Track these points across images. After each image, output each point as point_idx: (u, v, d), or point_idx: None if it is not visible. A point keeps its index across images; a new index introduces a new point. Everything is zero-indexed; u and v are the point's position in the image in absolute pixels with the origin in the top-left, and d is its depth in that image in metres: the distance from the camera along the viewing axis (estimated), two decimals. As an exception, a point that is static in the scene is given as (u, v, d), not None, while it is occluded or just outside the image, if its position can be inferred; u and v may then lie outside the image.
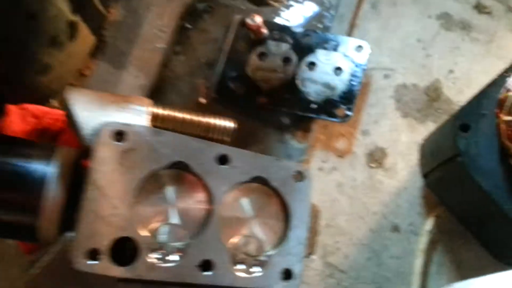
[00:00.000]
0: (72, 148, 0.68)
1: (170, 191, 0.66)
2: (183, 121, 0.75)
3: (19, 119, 0.77)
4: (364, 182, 1.03)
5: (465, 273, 0.99)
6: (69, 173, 0.64)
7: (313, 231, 0.74)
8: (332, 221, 1.01)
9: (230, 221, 0.69)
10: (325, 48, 1.04)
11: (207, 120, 0.77)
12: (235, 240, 0.68)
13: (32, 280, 0.65)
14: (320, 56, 1.03)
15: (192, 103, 1.04)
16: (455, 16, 1.16)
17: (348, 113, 0.99)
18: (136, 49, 1.00)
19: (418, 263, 0.97)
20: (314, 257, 0.92)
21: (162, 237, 0.63)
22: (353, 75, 1.01)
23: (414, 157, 1.05)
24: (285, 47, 1.04)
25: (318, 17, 1.11)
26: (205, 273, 0.64)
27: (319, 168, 1.04)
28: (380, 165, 1.04)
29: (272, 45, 1.05)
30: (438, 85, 1.10)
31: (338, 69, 1.02)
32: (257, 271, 0.68)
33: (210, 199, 0.67)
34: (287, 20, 1.10)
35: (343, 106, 0.99)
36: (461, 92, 1.09)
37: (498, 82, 0.84)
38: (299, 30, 1.06)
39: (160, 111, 0.73)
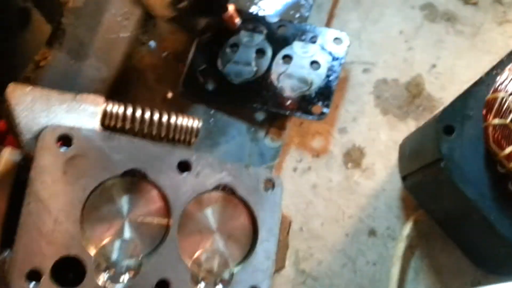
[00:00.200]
0: (17, 150, 0.61)
1: (123, 202, 0.60)
2: (142, 120, 0.68)
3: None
4: (341, 183, 0.98)
5: (444, 280, 0.94)
6: (10, 179, 0.58)
7: (283, 244, 0.68)
8: (306, 225, 0.95)
9: (190, 235, 0.62)
10: (302, 40, 0.98)
11: (170, 119, 0.70)
12: (196, 256, 0.62)
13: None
14: (297, 49, 0.97)
15: (159, 98, 0.98)
16: (439, 7, 1.10)
17: (325, 110, 0.93)
18: (97, 38, 0.92)
19: (395, 269, 0.92)
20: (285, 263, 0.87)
21: (113, 254, 0.57)
22: (330, 69, 0.95)
23: (393, 157, 0.99)
24: (259, 39, 0.98)
25: (295, 6, 1.05)
26: (162, 294, 0.58)
27: (293, 168, 0.98)
28: (358, 165, 0.99)
29: (245, 36, 0.99)
30: (419, 81, 1.04)
31: (315, 63, 0.96)
32: (220, 290, 0.62)
33: (169, 211, 0.61)
34: (262, 9, 1.04)
35: (319, 103, 0.94)
36: (443, 88, 1.04)
37: (485, 81, 0.78)
38: (274, 20, 1.00)
39: (116, 109, 0.66)
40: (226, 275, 0.62)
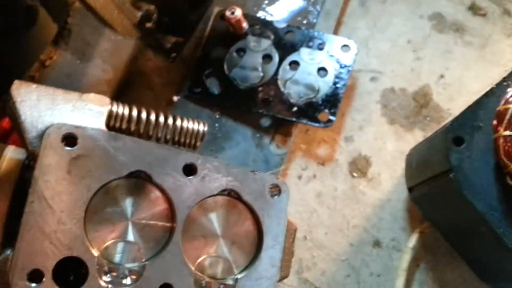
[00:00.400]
0: (20, 149, 0.60)
1: (126, 203, 0.58)
2: (147, 122, 0.67)
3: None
4: (346, 192, 0.96)
5: (448, 293, 0.93)
6: (13, 178, 0.56)
7: (288, 252, 0.66)
8: (310, 233, 0.94)
9: (194, 239, 0.61)
10: (309, 47, 0.97)
11: (176, 122, 0.69)
12: (200, 261, 0.60)
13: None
14: (304, 55, 0.96)
15: (165, 101, 0.96)
16: (448, 17, 1.09)
17: (331, 117, 0.92)
18: (103, 39, 0.92)
19: (399, 281, 0.91)
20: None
21: (116, 256, 0.56)
22: (338, 77, 0.94)
23: (399, 167, 0.98)
24: (266, 44, 0.97)
25: (303, 12, 1.04)
26: (165, 299, 0.57)
27: (298, 175, 0.97)
28: (363, 174, 0.97)
29: (252, 40, 0.98)
30: (427, 91, 1.03)
31: (322, 70, 0.95)
32: (223, 297, 0.60)
33: (173, 214, 0.59)
34: (270, 14, 1.03)
35: (326, 110, 0.93)
36: (451, 99, 1.03)
37: (496, 92, 0.77)
38: (282, 25, 0.99)
39: (121, 110, 0.65)
40: (230, 281, 0.61)
